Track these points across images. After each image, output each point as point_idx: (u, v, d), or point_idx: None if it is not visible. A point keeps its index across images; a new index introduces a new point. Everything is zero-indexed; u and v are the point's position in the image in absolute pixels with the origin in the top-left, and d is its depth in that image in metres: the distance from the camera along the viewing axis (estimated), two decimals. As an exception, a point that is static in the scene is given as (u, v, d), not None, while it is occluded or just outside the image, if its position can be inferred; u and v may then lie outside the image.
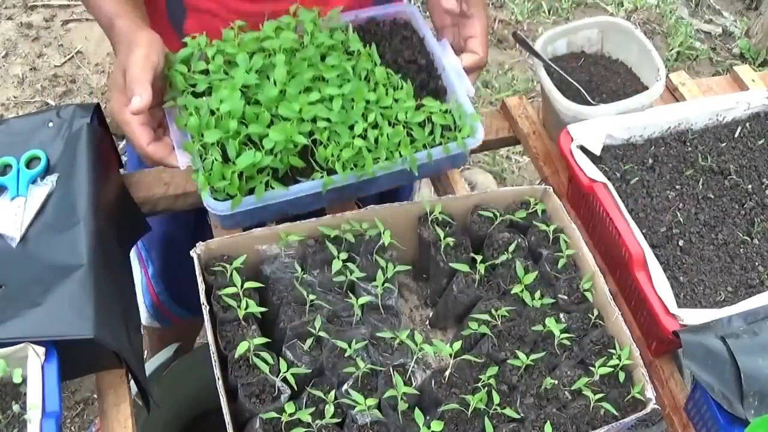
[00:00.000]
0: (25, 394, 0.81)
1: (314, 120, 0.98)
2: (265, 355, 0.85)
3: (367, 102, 1.02)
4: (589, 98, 1.21)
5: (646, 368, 0.89)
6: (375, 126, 1.01)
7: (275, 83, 1.00)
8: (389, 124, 1.02)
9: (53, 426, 0.78)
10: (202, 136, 0.96)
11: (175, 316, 1.58)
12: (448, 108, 1.06)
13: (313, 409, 0.82)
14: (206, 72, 1.02)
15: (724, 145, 1.14)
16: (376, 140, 0.99)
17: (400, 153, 1.00)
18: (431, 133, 1.03)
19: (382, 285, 0.93)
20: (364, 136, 0.99)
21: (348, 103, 1.00)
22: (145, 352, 2.03)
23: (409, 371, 0.87)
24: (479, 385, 0.87)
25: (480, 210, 1.02)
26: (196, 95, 1.00)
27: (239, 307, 0.88)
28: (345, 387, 0.85)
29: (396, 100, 1.03)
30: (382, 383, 0.85)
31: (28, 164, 0.99)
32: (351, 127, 0.99)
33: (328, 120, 0.98)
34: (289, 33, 1.05)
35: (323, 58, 1.05)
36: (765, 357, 0.89)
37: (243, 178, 0.95)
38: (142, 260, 1.50)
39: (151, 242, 1.45)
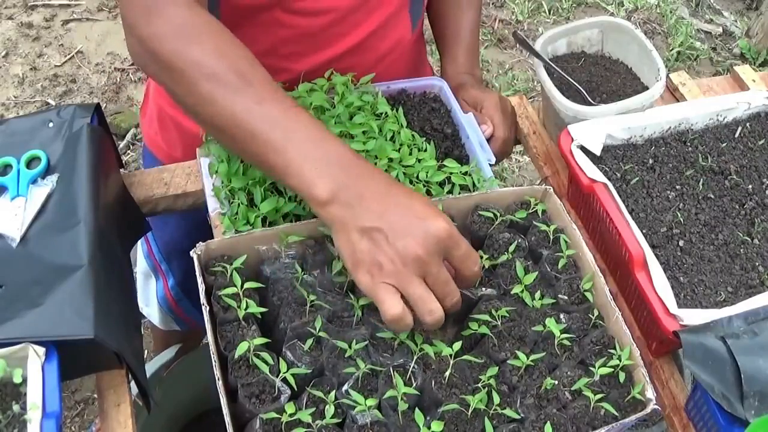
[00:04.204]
0: (25, 394, 0.81)
1: None
2: (265, 355, 0.85)
3: (390, 160, 1.06)
4: (589, 98, 1.21)
5: (646, 368, 0.88)
6: None
7: None
8: (410, 182, 1.05)
9: (53, 426, 0.78)
10: (230, 181, 1.02)
11: (193, 320, 1.61)
12: (467, 170, 1.09)
13: (313, 409, 0.82)
14: None
15: (724, 145, 1.14)
16: None
17: None
18: (450, 192, 1.06)
19: (383, 285, 0.93)
20: None
21: (371, 159, 1.05)
22: (146, 352, 2.03)
23: (410, 371, 0.87)
24: (479, 385, 0.87)
25: (480, 210, 1.02)
26: None
27: (239, 307, 0.88)
28: (345, 387, 0.85)
29: (419, 161, 1.07)
30: (383, 383, 0.85)
31: (29, 164, 0.99)
32: None
33: None
34: (321, 93, 1.11)
35: (351, 117, 1.10)
36: (765, 357, 0.89)
37: (266, 223, 1.00)
38: (161, 271, 1.51)
39: (172, 253, 1.48)
